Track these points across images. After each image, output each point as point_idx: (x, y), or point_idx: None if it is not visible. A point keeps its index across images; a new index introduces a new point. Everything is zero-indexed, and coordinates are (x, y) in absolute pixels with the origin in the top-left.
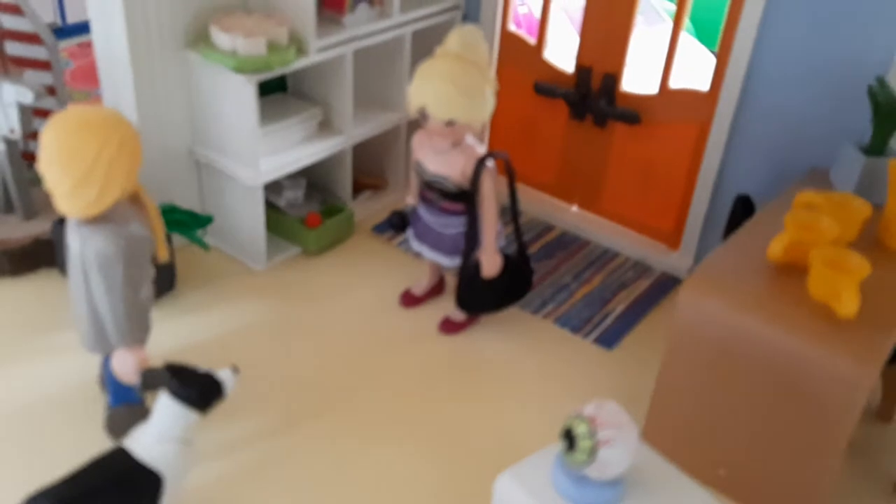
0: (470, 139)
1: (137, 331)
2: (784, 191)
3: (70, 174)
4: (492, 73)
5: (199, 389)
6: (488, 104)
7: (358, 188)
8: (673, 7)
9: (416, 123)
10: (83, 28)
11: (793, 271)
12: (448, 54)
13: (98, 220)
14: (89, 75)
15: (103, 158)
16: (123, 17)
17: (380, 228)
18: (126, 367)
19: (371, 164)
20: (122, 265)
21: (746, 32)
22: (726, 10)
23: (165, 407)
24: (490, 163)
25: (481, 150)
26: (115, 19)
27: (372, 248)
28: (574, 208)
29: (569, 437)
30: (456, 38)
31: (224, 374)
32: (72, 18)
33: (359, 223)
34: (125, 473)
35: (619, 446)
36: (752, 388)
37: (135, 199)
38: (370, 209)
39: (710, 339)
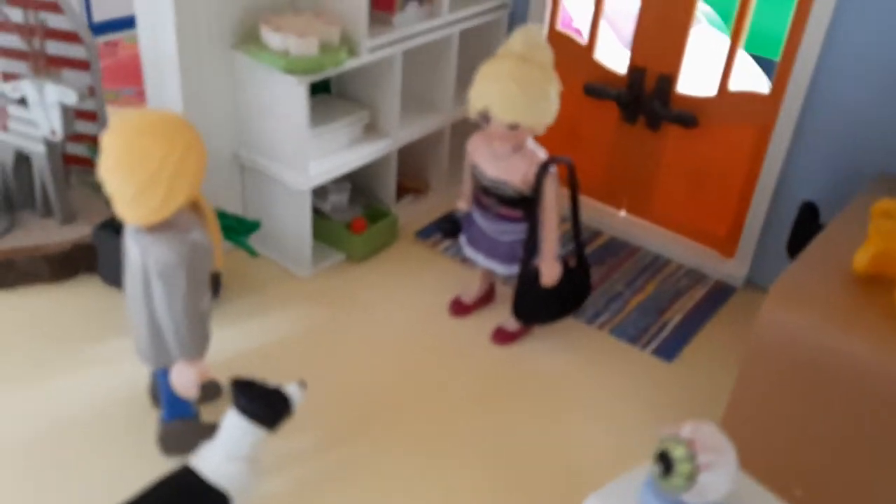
0: (531, 143)
1: (198, 341)
2: (852, 197)
3: (133, 180)
4: (556, 74)
5: (268, 406)
6: (553, 107)
7: (400, 192)
8: (709, 10)
9: (460, 126)
10: (110, 26)
11: (880, 283)
12: (512, 55)
13: (159, 228)
14: (117, 74)
15: (168, 164)
16: (173, 14)
17: (424, 233)
18: (186, 379)
19: (413, 168)
20: (185, 274)
21: (815, 32)
22: (792, 10)
23: (234, 424)
24: (553, 168)
25: (543, 155)
26: (165, 16)
27: (416, 253)
28: (622, 213)
29: (664, 461)
30: (519, 39)
31: (292, 389)
32: (98, 17)
33: (401, 228)
34: (192, 493)
35: (720, 471)
36: (838, 407)
37: (194, 206)
38: (413, 213)
39: (794, 353)
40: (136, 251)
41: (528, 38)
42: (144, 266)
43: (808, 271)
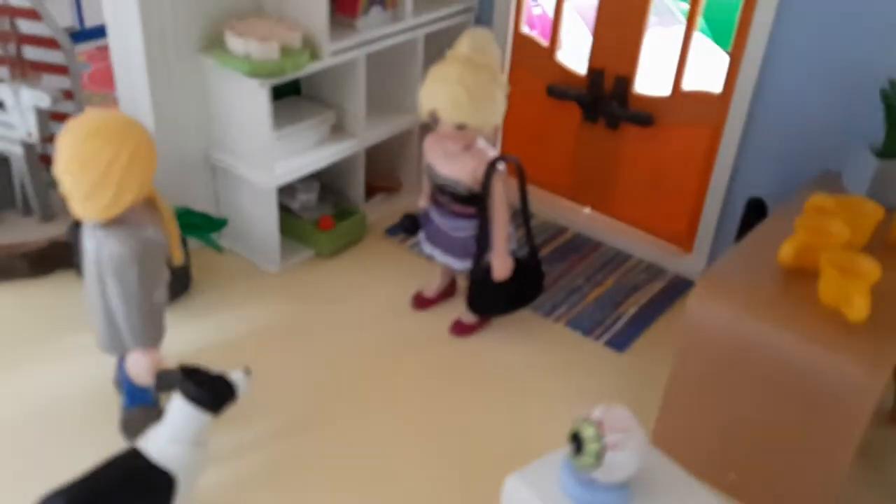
0: (481, 142)
1: (152, 333)
2: (796, 194)
3: (85, 179)
4: (503, 76)
5: (211, 391)
6: (499, 108)
7: (371, 191)
8: (688, 8)
9: (429, 126)
10: (101, 32)
11: (804, 275)
12: (458, 58)
13: (113, 224)
14: (107, 78)
15: (118, 164)
16: (139, 21)
17: (392, 231)
18: (140, 368)
19: (384, 167)
20: (137, 268)
21: (759, 34)
22: (739, 11)
23: (178, 408)
24: (501, 166)
25: (492, 153)
26: (131, 24)
27: (384, 250)
28: (587, 210)
29: (576, 441)
30: (466, 42)
31: (237, 376)
32: (90, 22)
33: (372, 226)
34: (138, 473)
35: (627, 450)
36: (763, 393)
37: (150, 203)
38: (383, 212)
39: (720, 343)
40: (92, 246)
41: (476, 41)
42: (99, 260)
43: (738, 262)
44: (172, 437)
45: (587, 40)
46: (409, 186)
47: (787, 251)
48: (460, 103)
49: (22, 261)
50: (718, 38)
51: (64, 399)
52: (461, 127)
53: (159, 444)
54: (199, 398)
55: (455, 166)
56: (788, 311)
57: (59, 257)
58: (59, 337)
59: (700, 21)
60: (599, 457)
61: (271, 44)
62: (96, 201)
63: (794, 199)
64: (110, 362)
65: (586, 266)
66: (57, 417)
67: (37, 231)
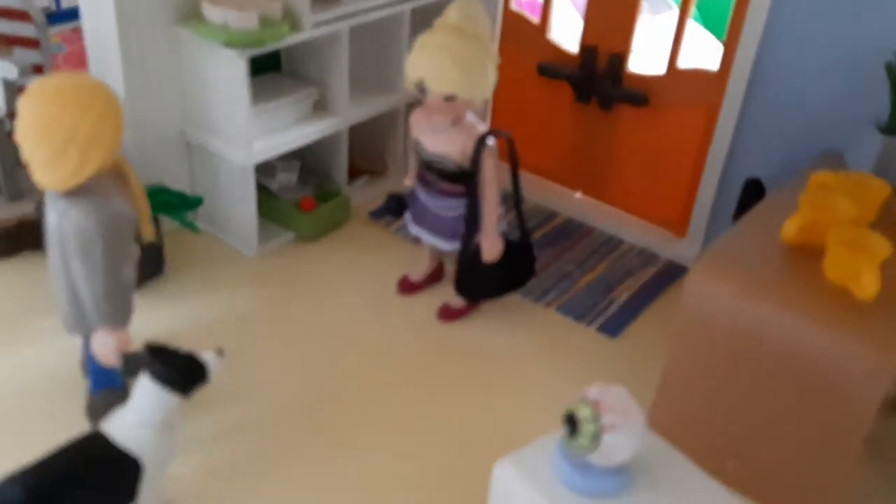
0: (470, 117)
1: (119, 311)
2: (796, 174)
3: (47, 144)
4: (494, 47)
5: (180, 371)
6: (490, 79)
7: (355, 173)
8: None
9: (415, 105)
10: (77, 13)
11: (808, 253)
12: (447, 26)
13: (77, 193)
14: (82, 59)
15: (82, 128)
16: None
17: (377, 214)
18: (106, 348)
19: (369, 148)
20: (103, 241)
21: (757, 11)
22: None
23: (145, 389)
24: (491, 141)
25: (482, 128)
26: None
27: (368, 234)
28: (578, 195)
29: (571, 422)
30: (455, 10)
31: (208, 356)
32: (66, 3)
33: (355, 209)
34: (101, 458)
35: (624, 432)
36: (764, 377)
37: (118, 175)
38: (367, 194)
39: (720, 325)
40: (54, 217)
41: (464, 10)
42: (62, 232)
43: (738, 241)
44: (138, 419)
45: (574, 19)
46: (395, 169)
47: (790, 228)
48: (448, 72)
49: None
50: (709, 24)
51: (29, 382)
52: (450, 98)
53: (124, 427)
54: (167, 378)
55: (443, 141)
56: (792, 290)
57: (27, 237)
58: (27, 319)
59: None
60: (596, 438)
61: (250, 13)
62: (58, 169)
63: (794, 180)
64: (78, 345)
65: (578, 251)
66: (21, 401)
67: (4, 210)
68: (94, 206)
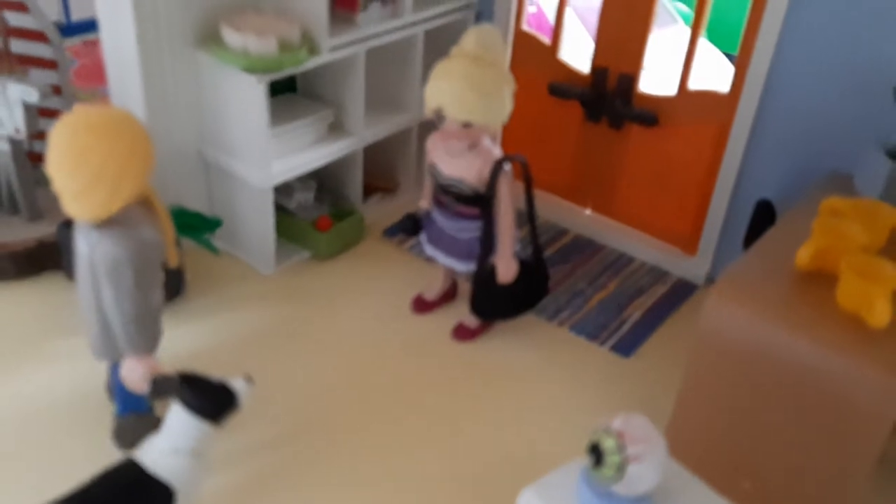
0: (486, 142)
1: (147, 338)
2: (805, 196)
3: (79, 177)
4: (510, 73)
5: (212, 400)
6: (506, 106)
7: (368, 191)
8: (685, 8)
9: (428, 125)
10: (88, 26)
11: (821, 279)
12: (465, 54)
13: (107, 224)
14: (94, 73)
15: (113, 161)
16: (133, 15)
17: (391, 232)
18: (135, 374)
19: (382, 167)
20: (132, 270)
21: (769, 33)
22: (748, 10)
23: (178, 418)
24: (507, 166)
25: (498, 152)
26: (125, 17)
27: (383, 252)
28: (587, 212)
29: (596, 452)
30: (473, 38)
31: (238, 384)
32: (77, 16)
33: (369, 227)
34: (136, 486)
35: (649, 462)
36: (779, 400)
37: (145, 202)
38: (381, 212)
39: (736, 348)
40: (85, 247)
41: (481, 38)
42: (92, 262)
43: (753, 266)
44: (171, 447)
45: (584, 40)
46: (407, 187)
47: (804, 255)
48: (467, 100)
49: (8, 262)
50: (715, 39)
51: (54, 405)
52: (467, 125)
53: (157, 455)
54: (199, 407)
55: (460, 165)
56: (806, 315)
57: (47, 258)
58: (49, 341)
59: (705, 21)
60: (621, 469)
61: (269, 38)
62: (90, 200)
63: (804, 202)
64: (101, 367)
65: (588, 269)
66: (47, 425)
67: (23, 231)
68: (125, 237)
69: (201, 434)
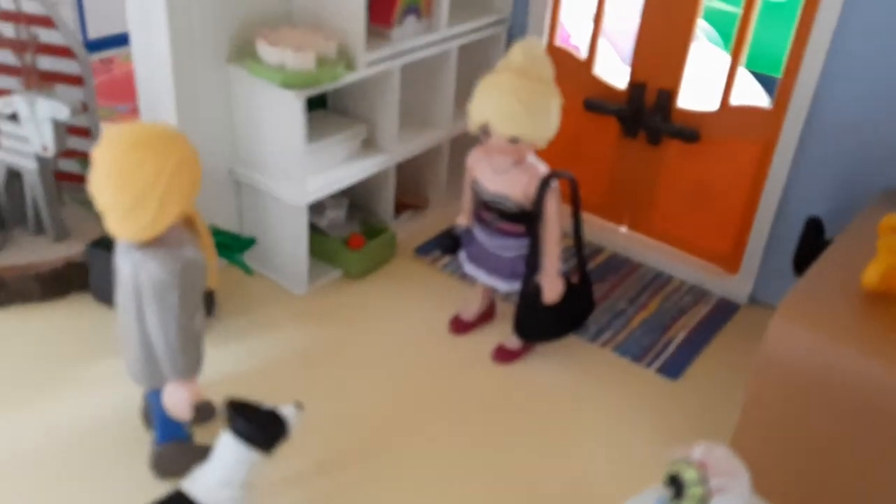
0: (532, 158)
1: (191, 362)
2: (856, 213)
3: (125, 195)
4: (557, 88)
5: (264, 429)
6: (554, 120)
7: (398, 208)
8: (708, 27)
9: (458, 141)
10: (105, 44)
11: (889, 300)
12: (512, 68)
13: (152, 244)
14: (112, 91)
15: (161, 179)
16: (167, 30)
17: (422, 250)
18: (179, 400)
19: (411, 183)
20: (178, 291)
21: (817, 47)
22: (795, 24)
23: (228, 448)
24: (555, 183)
25: (544, 168)
26: (159, 32)
27: (415, 270)
28: (622, 229)
29: (675, 484)
30: (520, 52)
31: (288, 411)
32: (93, 34)
33: (400, 244)
34: None
35: (733, 495)
36: (849, 427)
37: (188, 222)
38: (411, 230)
39: (802, 372)
40: (127, 268)
41: (529, 52)
42: (136, 283)
43: (816, 288)
44: (222, 479)
45: (612, 58)
46: (437, 204)
47: (872, 275)
48: (515, 115)
49: (34, 282)
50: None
51: (87, 431)
52: (514, 140)
53: (208, 486)
54: (250, 436)
55: (505, 182)
56: (878, 337)
57: (73, 279)
58: (79, 364)
59: (712, 33)
60: (703, 502)
61: (307, 53)
62: (136, 220)
63: (858, 220)
64: (132, 392)
65: (626, 288)
66: (80, 455)
67: (49, 251)
68: (171, 257)
69: (252, 464)
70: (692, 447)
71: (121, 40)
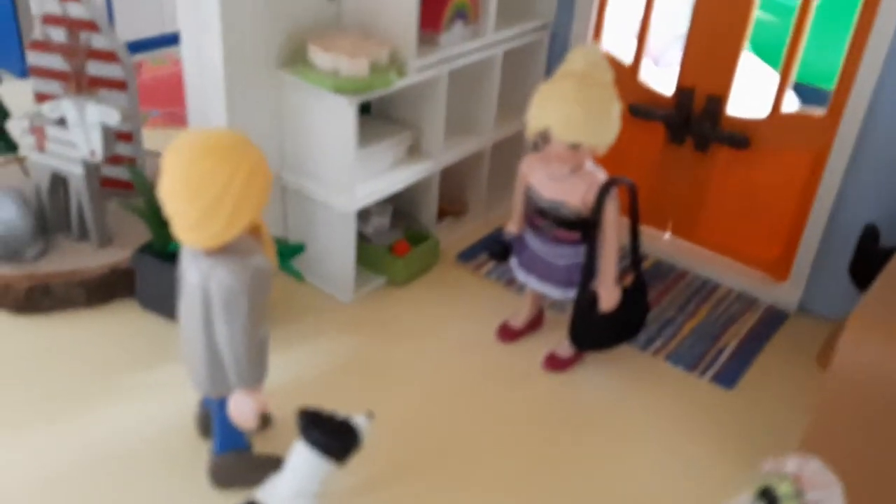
0: (590, 164)
1: (258, 371)
2: None
3: (197, 203)
4: (616, 93)
5: (339, 439)
6: (615, 126)
7: (439, 214)
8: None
9: (500, 147)
10: (134, 48)
11: None
12: (572, 74)
13: (221, 252)
14: (142, 96)
15: (233, 187)
16: (220, 35)
17: (465, 256)
18: (245, 409)
19: (452, 189)
20: (248, 300)
21: (874, 57)
22: (850, 35)
23: (303, 458)
24: (614, 190)
25: (603, 175)
26: (212, 37)
27: (458, 277)
28: (667, 236)
29: (768, 497)
30: (580, 57)
31: (360, 420)
32: (122, 38)
33: (442, 251)
34: None
35: None
36: None
37: (253, 229)
38: (453, 236)
39: (878, 385)
40: (195, 276)
41: (589, 57)
42: (205, 291)
43: (888, 300)
44: (296, 490)
45: (651, 69)
46: (476, 210)
47: None
48: (576, 121)
49: (79, 289)
50: (768, 59)
51: (138, 441)
52: (575, 146)
53: (282, 497)
54: (325, 446)
55: (562, 189)
56: None
57: (119, 286)
58: (128, 372)
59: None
60: None
61: (361, 59)
62: (206, 228)
63: None
64: (182, 401)
65: (674, 295)
66: (134, 462)
67: (93, 257)
68: (240, 265)
69: (326, 475)
70: (784, 460)
71: (150, 44)
